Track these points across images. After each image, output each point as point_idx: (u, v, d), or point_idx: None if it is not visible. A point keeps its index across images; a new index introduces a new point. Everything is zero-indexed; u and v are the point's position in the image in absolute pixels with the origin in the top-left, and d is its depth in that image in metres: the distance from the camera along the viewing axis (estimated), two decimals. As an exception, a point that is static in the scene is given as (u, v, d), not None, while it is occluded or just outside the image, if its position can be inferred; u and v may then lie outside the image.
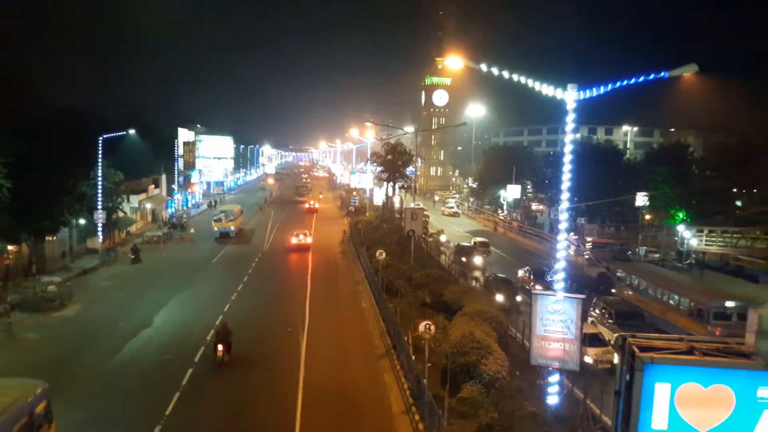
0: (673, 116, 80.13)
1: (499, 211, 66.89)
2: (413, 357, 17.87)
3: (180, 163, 67.84)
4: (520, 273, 33.32)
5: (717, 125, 67.52)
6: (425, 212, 47.09)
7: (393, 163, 52.16)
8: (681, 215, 45.92)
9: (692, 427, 9.42)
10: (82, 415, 15.90)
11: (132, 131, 45.35)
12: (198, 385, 18.57)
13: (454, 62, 17.82)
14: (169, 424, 15.88)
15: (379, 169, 54.77)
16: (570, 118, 14.64)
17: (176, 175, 65.66)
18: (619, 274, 31.27)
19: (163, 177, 61.83)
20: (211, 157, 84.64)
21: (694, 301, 23.87)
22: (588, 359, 18.93)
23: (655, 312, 25.82)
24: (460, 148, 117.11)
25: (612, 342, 20.57)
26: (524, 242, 52.67)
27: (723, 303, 22.65)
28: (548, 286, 19.87)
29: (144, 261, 38.12)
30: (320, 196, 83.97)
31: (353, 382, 19.37)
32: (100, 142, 37.71)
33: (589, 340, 20.29)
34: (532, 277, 31.69)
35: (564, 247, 15.92)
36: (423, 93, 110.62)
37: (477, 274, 33.34)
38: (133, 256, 38.07)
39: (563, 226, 15.91)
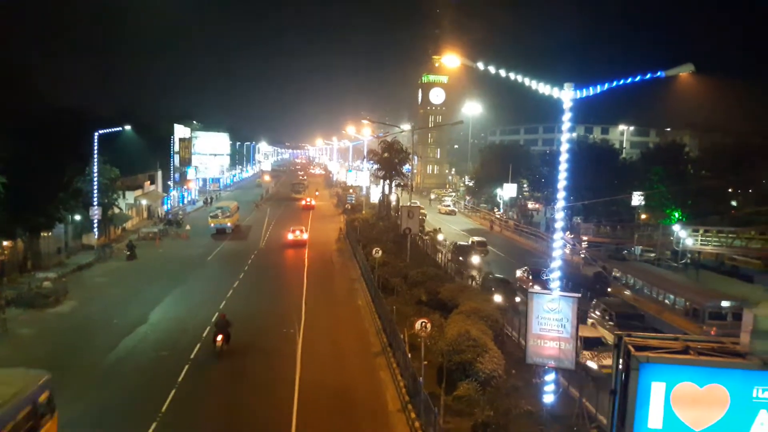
0: (669, 116, 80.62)
1: (496, 210, 66.98)
2: (409, 355, 17.90)
3: (176, 160, 67.58)
4: (519, 273, 33.27)
5: (713, 125, 67.93)
6: (422, 210, 47.08)
7: (389, 160, 52.20)
8: (676, 215, 46.09)
9: (687, 426, 9.48)
10: (78, 412, 15.82)
11: (128, 127, 45.14)
12: (194, 382, 18.56)
13: (451, 60, 17.86)
14: (164, 422, 15.88)
15: (376, 166, 54.82)
16: (566, 117, 14.69)
17: (172, 172, 65.44)
18: (615, 273, 31.32)
19: (159, 173, 61.62)
20: (207, 154, 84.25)
21: (690, 301, 23.93)
22: (592, 364, 18.84)
23: (651, 311, 25.87)
24: (456, 146, 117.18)
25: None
26: (521, 241, 52.74)
27: (718, 303, 22.70)
28: (546, 287, 19.86)
29: (139, 257, 38.00)
30: (317, 193, 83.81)
31: (349, 379, 19.38)
32: (96, 137, 37.61)
33: (592, 344, 20.23)
34: (530, 277, 31.64)
35: (560, 246, 15.97)
36: (420, 91, 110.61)
37: (474, 273, 33.36)
38: (128, 253, 37.95)
39: (559, 225, 15.95)
